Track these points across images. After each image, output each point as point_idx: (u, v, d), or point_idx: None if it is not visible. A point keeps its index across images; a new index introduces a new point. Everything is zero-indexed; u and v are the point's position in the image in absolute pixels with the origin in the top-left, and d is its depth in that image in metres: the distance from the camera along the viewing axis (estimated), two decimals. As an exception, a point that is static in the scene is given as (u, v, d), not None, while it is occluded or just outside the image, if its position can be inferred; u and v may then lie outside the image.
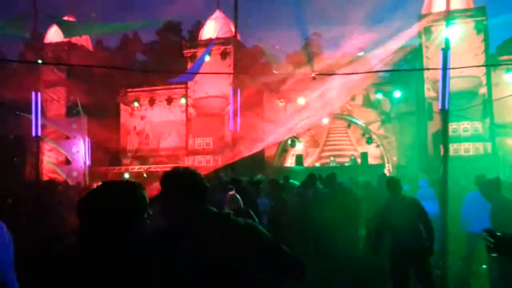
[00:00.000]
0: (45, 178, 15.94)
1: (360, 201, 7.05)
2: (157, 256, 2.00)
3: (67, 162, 16.84)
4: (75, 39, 19.67)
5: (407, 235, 5.44)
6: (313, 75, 15.03)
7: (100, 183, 2.04)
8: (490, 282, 5.88)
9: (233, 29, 20.13)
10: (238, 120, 12.60)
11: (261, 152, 21.41)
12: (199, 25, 27.81)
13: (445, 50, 7.43)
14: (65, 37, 16.04)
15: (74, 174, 15.26)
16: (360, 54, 21.04)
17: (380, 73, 19.23)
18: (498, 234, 2.84)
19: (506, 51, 21.03)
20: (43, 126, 15.37)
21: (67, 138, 16.64)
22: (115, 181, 2.07)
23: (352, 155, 20.70)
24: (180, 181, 2.19)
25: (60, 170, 16.44)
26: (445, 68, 7.33)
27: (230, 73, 17.20)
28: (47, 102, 18.46)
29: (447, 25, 7.87)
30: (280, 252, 2.15)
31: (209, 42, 19.51)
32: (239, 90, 12.99)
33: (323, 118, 21.12)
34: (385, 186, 5.88)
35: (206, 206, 2.19)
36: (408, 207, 5.59)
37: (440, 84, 7.40)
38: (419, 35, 18.55)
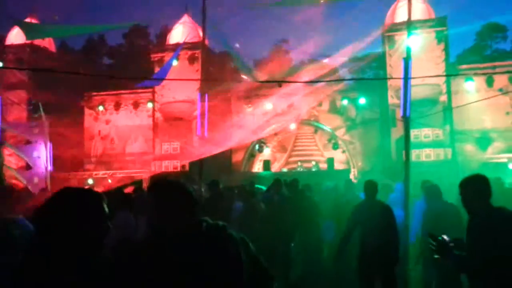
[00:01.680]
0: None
1: (316, 206, 7.13)
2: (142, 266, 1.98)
3: (28, 167, 16.32)
4: (37, 41, 19.17)
5: (375, 241, 5.37)
6: (279, 82, 15.17)
7: (56, 192, 1.96)
8: (423, 278, 6.08)
9: (201, 34, 20.11)
10: (206, 125, 12.55)
11: (229, 157, 21.43)
12: (166, 30, 27.62)
13: (407, 60, 7.66)
14: (27, 39, 15.58)
15: (35, 179, 14.78)
16: (325, 61, 21.41)
17: (346, 80, 19.63)
18: (439, 238, 3.02)
19: (465, 60, 21.84)
20: (2, 131, 14.88)
21: (28, 142, 16.13)
22: (71, 189, 2.01)
23: (316, 161, 20.99)
24: (177, 192, 2.15)
25: (20, 175, 15.90)
26: (406, 77, 7.56)
27: (197, 79, 17.14)
28: (7, 105, 17.89)
29: (408, 35, 8.13)
30: (259, 264, 2.20)
31: (176, 47, 19.40)
32: (206, 95, 12.92)
33: (291, 124, 21.35)
34: (363, 188, 5.79)
35: (200, 217, 2.17)
36: (379, 213, 5.52)
37: (402, 92, 7.62)
38: (383, 43, 19.05)
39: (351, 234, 5.70)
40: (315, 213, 6.96)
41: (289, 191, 7.00)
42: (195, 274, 1.97)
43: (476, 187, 3.22)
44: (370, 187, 5.69)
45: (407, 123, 7.78)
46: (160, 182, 2.26)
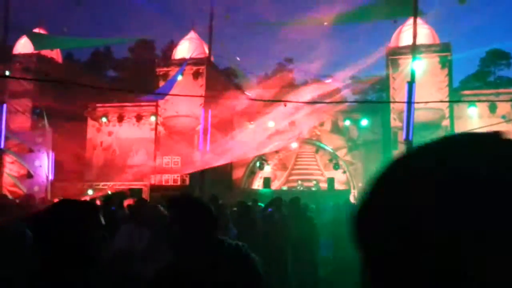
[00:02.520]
0: (4, 191, 15.39)
1: (315, 226, 7.12)
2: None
3: (29, 175, 16.32)
4: (44, 51, 19.36)
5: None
6: (283, 102, 15.29)
7: (55, 203, 1.98)
8: None
9: (206, 50, 20.34)
10: (208, 140, 12.61)
11: (229, 174, 21.43)
12: (172, 45, 27.91)
13: (410, 84, 7.73)
14: (35, 49, 15.75)
15: (36, 188, 14.76)
16: (328, 81, 21.60)
17: (349, 102, 19.76)
18: None
19: (468, 86, 21.95)
20: (6, 138, 14.92)
21: (31, 151, 16.16)
22: (68, 201, 2.01)
23: (316, 180, 20.99)
24: (200, 207, 2.11)
25: (20, 184, 15.89)
26: (410, 101, 7.61)
27: (202, 96, 17.28)
28: (12, 113, 17.97)
29: (413, 59, 8.22)
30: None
31: (182, 62, 19.59)
32: (210, 111, 13.01)
33: (292, 142, 21.41)
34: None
35: (219, 237, 2.12)
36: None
37: (405, 115, 7.66)
38: (387, 66, 19.21)
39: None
40: (314, 234, 6.93)
41: (291, 209, 6.97)
42: None
43: None
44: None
45: (409, 147, 7.81)
46: (182, 198, 2.24)
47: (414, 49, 8.53)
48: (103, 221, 1.93)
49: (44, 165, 14.82)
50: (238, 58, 17.77)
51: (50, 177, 14.96)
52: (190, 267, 1.98)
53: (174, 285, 1.98)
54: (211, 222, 2.09)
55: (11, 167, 18.22)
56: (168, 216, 2.19)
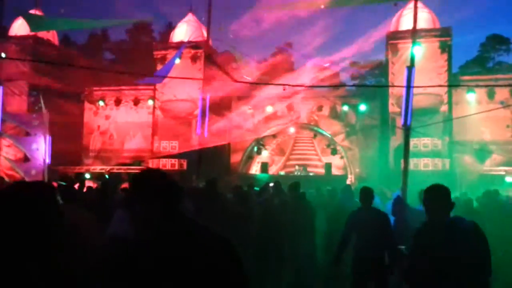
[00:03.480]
0: (1, 174, 15.32)
1: (314, 211, 7.09)
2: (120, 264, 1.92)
3: (26, 159, 16.26)
4: (41, 33, 19.14)
5: (370, 248, 5.28)
6: (283, 85, 15.16)
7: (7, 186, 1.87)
8: None
9: (205, 33, 20.13)
10: (206, 124, 12.54)
11: (227, 158, 21.42)
12: (170, 27, 27.63)
13: (410, 68, 7.67)
14: (31, 31, 15.53)
15: (33, 172, 14.72)
16: (327, 65, 21.46)
17: (347, 86, 19.67)
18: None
19: (467, 71, 21.85)
20: (2, 121, 14.84)
21: (28, 134, 16.08)
22: (22, 182, 1.92)
23: (313, 165, 21.04)
24: (154, 179, 2.03)
25: (18, 167, 15.84)
26: (408, 86, 7.57)
27: (200, 79, 17.15)
28: (8, 96, 17.83)
29: (413, 44, 8.14)
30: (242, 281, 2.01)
31: (180, 45, 19.39)
32: (208, 95, 12.92)
33: (290, 127, 21.37)
34: (359, 194, 5.68)
35: (180, 211, 2.03)
36: (376, 220, 5.40)
37: (403, 100, 7.63)
38: (386, 51, 19.08)
39: (348, 241, 5.62)
40: (312, 219, 6.91)
41: (291, 194, 6.92)
42: (182, 270, 1.87)
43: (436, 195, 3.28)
44: (366, 194, 5.60)
45: (407, 132, 7.79)
46: (142, 172, 2.12)
47: (414, 33, 8.44)
48: (59, 203, 1.84)
49: (41, 148, 14.74)
50: (240, 47, 17.57)
51: (47, 160, 14.89)
52: (147, 241, 1.93)
53: (131, 260, 1.93)
54: (170, 196, 2.01)
55: (8, 151, 18.15)
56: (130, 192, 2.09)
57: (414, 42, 8.18)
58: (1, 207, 1.71)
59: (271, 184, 8.46)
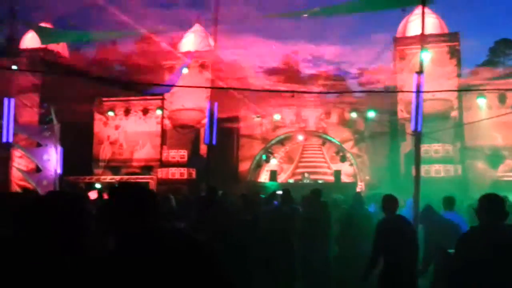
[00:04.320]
0: (14, 186, 15.51)
1: (330, 221, 6.98)
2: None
3: (38, 170, 16.41)
4: (51, 46, 19.38)
5: (401, 259, 5.00)
6: (290, 92, 15.17)
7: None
8: None
9: (211, 43, 20.26)
10: (215, 133, 12.56)
11: (236, 167, 21.42)
12: (177, 38, 27.81)
13: (419, 74, 7.63)
14: (42, 44, 15.75)
15: (44, 182, 14.83)
16: (335, 73, 21.46)
17: (355, 93, 19.62)
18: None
19: (477, 76, 21.66)
20: (14, 133, 15.02)
21: (39, 145, 16.25)
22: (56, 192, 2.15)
23: (322, 173, 20.94)
24: (130, 195, 2.09)
25: (30, 178, 16.01)
26: (418, 91, 7.52)
27: (208, 87, 17.22)
28: (19, 108, 18.01)
29: (422, 50, 8.10)
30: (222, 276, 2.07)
31: (187, 55, 19.55)
32: (216, 104, 12.95)
33: (298, 135, 21.33)
34: (382, 203, 5.42)
35: (158, 222, 2.09)
36: (405, 229, 5.16)
37: (413, 106, 7.58)
38: (394, 57, 19.03)
39: (380, 253, 5.23)
40: (330, 229, 6.74)
41: (313, 202, 6.71)
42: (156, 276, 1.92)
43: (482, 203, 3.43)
44: (392, 202, 5.33)
45: (418, 138, 7.73)
46: (119, 186, 2.25)
47: (423, 38, 8.42)
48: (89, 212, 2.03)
49: (52, 159, 14.88)
50: (246, 55, 17.66)
51: (59, 171, 15.01)
52: (126, 254, 1.99)
53: (112, 273, 1.96)
54: (147, 208, 2.06)
55: (20, 162, 18.33)
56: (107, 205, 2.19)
57: (423, 48, 8.15)
58: (48, 209, 2.01)
59: (279, 192, 8.40)
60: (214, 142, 12.64)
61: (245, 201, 6.90)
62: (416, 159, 7.35)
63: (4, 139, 13.89)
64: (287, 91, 14.79)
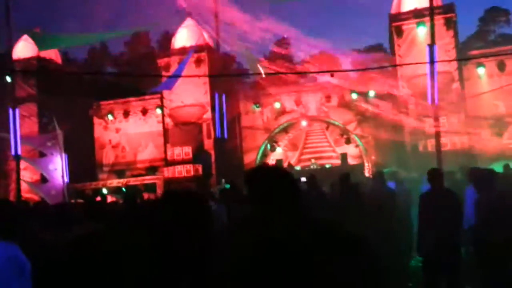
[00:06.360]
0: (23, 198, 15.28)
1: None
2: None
3: (43, 180, 16.23)
4: (43, 53, 19.10)
5: (447, 234, 4.93)
6: (286, 74, 15.07)
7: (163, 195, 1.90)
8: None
9: (205, 36, 20.06)
10: (225, 125, 12.43)
11: (240, 159, 21.29)
12: (168, 34, 27.53)
13: (431, 46, 7.55)
14: (39, 50, 15.52)
15: (53, 192, 14.68)
16: (330, 53, 21.25)
17: (353, 74, 19.47)
18: None
19: (472, 46, 21.59)
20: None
21: (43, 155, 16.04)
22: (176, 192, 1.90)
23: (328, 157, 20.89)
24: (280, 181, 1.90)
25: (37, 188, 15.81)
26: (432, 62, 7.45)
27: (211, 75, 17.08)
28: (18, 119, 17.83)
29: (431, 21, 8.00)
30: None
31: (182, 51, 19.36)
32: (224, 95, 12.83)
33: (301, 121, 21.21)
34: (427, 176, 5.31)
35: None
36: (452, 201, 5.07)
37: (428, 78, 7.50)
38: (390, 34, 18.93)
39: (429, 225, 5.10)
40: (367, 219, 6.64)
41: (342, 187, 6.60)
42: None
43: None
44: (437, 174, 5.26)
45: (435, 109, 7.66)
46: (260, 170, 2.08)
47: (432, 10, 8.32)
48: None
49: (58, 168, 14.71)
50: (242, 43, 17.47)
51: (66, 179, 14.86)
52: (287, 239, 1.81)
53: (273, 258, 1.80)
54: (294, 195, 1.90)
55: (24, 173, 18.09)
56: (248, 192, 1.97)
57: (431, 19, 8.05)
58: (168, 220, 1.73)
59: (303, 179, 8.30)
60: (225, 135, 12.52)
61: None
62: (436, 133, 7.28)
63: (13, 152, 13.69)
64: (287, 73, 14.64)
